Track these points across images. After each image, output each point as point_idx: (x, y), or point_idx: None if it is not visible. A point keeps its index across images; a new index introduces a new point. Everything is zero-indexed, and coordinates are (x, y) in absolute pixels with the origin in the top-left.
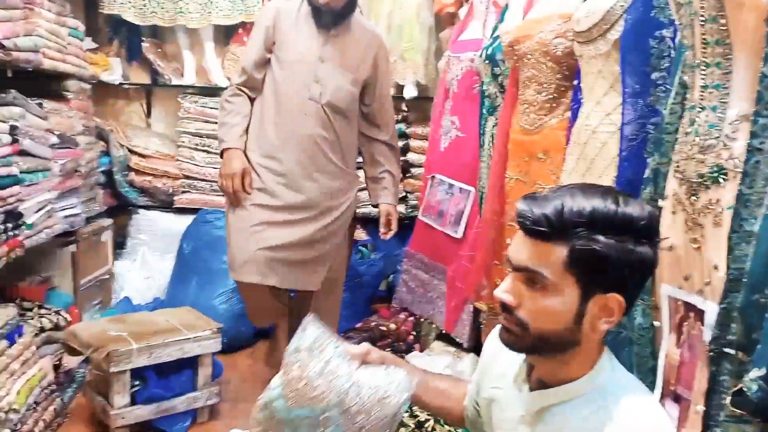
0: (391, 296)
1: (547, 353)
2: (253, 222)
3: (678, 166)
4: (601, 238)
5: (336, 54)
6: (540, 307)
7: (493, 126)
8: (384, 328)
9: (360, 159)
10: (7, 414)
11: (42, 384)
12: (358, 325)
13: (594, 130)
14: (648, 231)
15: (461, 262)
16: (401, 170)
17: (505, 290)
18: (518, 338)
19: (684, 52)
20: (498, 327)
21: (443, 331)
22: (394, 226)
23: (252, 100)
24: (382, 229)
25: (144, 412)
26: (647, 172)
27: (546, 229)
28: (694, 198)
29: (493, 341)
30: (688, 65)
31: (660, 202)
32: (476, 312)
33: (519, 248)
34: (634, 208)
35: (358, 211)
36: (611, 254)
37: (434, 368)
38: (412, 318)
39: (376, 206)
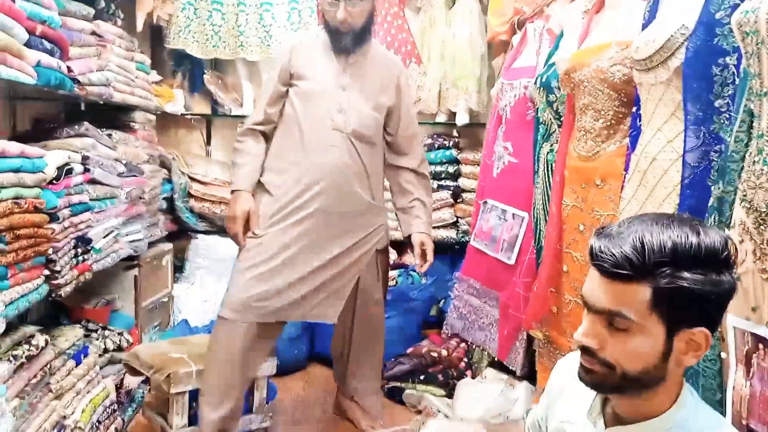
0: (442, 322)
1: (632, 391)
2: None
3: (745, 195)
4: (686, 274)
5: (357, 81)
6: (625, 349)
7: (548, 152)
8: (435, 355)
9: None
10: (73, 431)
11: (105, 403)
12: (409, 350)
13: (654, 158)
14: (728, 259)
15: (515, 289)
16: (453, 195)
17: (585, 334)
18: (603, 378)
19: (749, 80)
20: (566, 359)
21: (496, 359)
22: (430, 257)
23: (266, 137)
24: (417, 261)
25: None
26: (711, 200)
27: (628, 272)
28: (762, 228)
29: (560, 373)
30: (754, 93)
31: (726, 231)
32: (530, 339)
33: (597, 289)
34: (713, 237)
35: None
36: (698, 289)
37: (487, 396)
38: (463, 344)
39: (408, 238)
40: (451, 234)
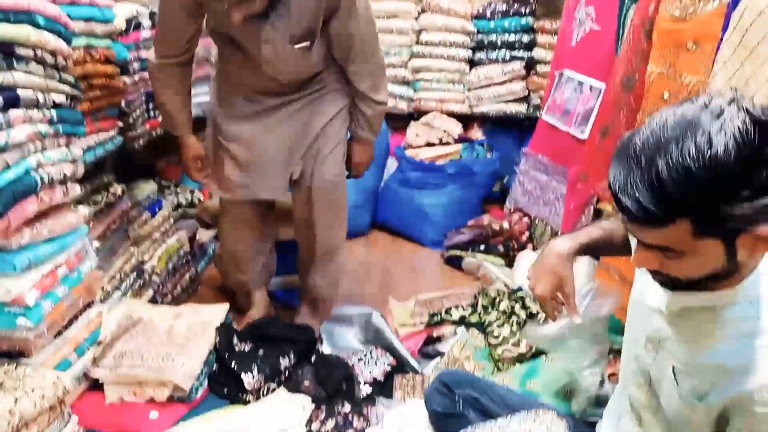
0: (505, 198)
1: (706, 287)
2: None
3: None
4: (719, 198)
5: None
6: (685, 267)
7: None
8: (497, 227)
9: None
10: (151, 276)
11: (179, 253)
12: (471, 222)
13: (761, 12)
14: (753, 152)
15: (585, 163)
16: (525, 67)
17: (639, 261)
18: (673, 283)
19: None
20: None
21: (559, 233)
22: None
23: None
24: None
25: (277, 283)
26: None
27: (655, 222)
28: None
29: None
30: None
31: None
32: (596, 214)
33: (636, 230)
34: (724, 139)
35: (475, 110)
36: (736, 203)
37: None
38: (526, 219)
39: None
40: (521, 108)
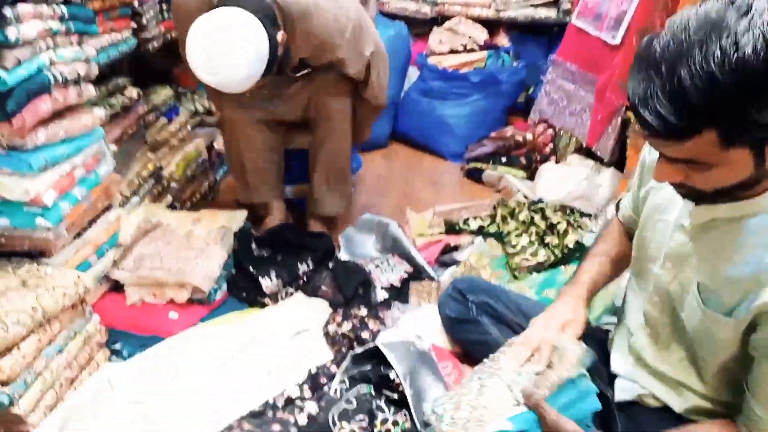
0: (530, 110)
1: (733, 197)
2: None
3: None
4: (747, 104)
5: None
6: (711, 178)
7: None
8: (520, 138)
9: None
10: (169, 183)
11: (197, 160)
12: (493, 134)
13: None
14: None
15: (615, 71)
16: None
17: (663, 175)
18: (697, 195)
19: None
20: None
21: (584, 145)
22: None
23: None
24: None
25: (286, 191)
26: None
27: (679, 135)
28: None
29: None
30: None
31: None
32: (623, 125)
33: (658, 145)
34: (757, 39)
35: (502, 14)
36: (765, 108)
37: (571, 179)
38: (551, 131)
39: None
40: (550, 13)
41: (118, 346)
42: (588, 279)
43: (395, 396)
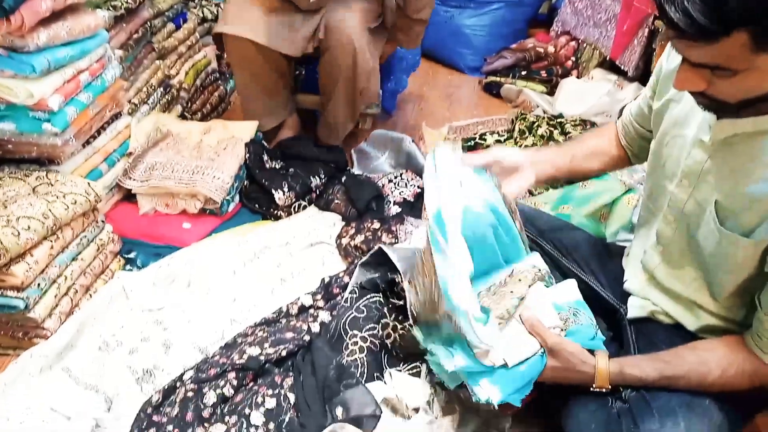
0: (552, 22)
1: (759, 110)
2: None
3: None
4: None
5: None
6: (737, 87)
7: None
8: (541, 50)
9: None
10: (179, 92)
11: (207, 70)
12: (514, 45)
13: None
14: None
15: None
16: None
17: (685, 82)
18: (718, 107)
19: None
20: None
21: (607, 58)
22: None
23: None
24: None
25: (306, 100)
26: None
27: (707, 37)
28: None
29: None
30: None
31: None
32: (650, 36)
33: (683, 47)
34: None
35: None
36: None
37: (592, 94)
38: (573, 43)
39: None
40: None
41: (132, 254)
42: (550, 152)
43: (401, 303)
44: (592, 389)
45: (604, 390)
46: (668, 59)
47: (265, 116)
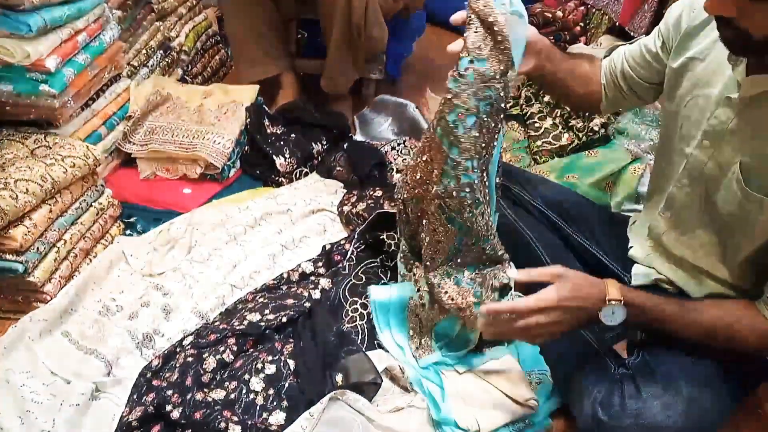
0: None
1: None
2: None
3: None
4: None
5: None
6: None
7: None
8: (549, 15)
9: None
10: (179, 54)
11: (208, 32)
12: None
13: None
14: None
15: None
16: None
17: (716, 5)
18: (741, 46)
19: None
20: None
21: (617, 24)
22: None
23: None
24: None
25: (308, 65)
26: None
27: None
28: None
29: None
30: None
31: None
32: (660, 1)
33: None
34: None
35: None
36: None
37: None
38: (582, 8)
39: None
40: None
41: (132, 219)
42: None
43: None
44: (602, 315)
45: (613, 309)
46: (691, 15)
47: (257, 65)
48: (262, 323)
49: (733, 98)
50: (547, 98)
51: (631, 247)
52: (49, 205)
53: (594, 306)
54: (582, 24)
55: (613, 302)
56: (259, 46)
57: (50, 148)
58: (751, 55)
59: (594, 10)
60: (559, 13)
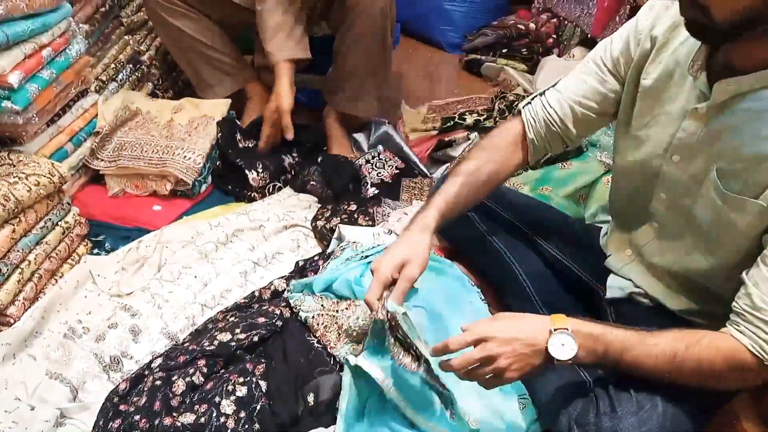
0: None
1: (745, 38)
2: None
3: None
4: None
5: None
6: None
7: None
8: (522, 27)
9: None
10: (149, 68)
11: None
12: (495, 22)
13: None
14: None
15: None
16: None
17: None
18: (702, 30)
19: None
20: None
21: (589, 36)
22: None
23: None
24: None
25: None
26: None
27: None
28: None
29: (651, 14)
30: None
31: None
32: (632, 12)
33: None
34: None
35: None
36: None
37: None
38: (555, 20)
39: None
40: None
41: (100, 238)
42: (441, 203)
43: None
44: (550, 347)
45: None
46: (640, 38)
47: (216, 86)
48: (233, 343)
49: (700, 108)
50: None
51: (609, 255)
52: (13, 225)
53: (537, 338)
54: (555, 36)
55: (559, 330)
56: (213, 70)
57: (14, 165)
58: (709, 40)
59: (566, 22)
60: (532, 26)
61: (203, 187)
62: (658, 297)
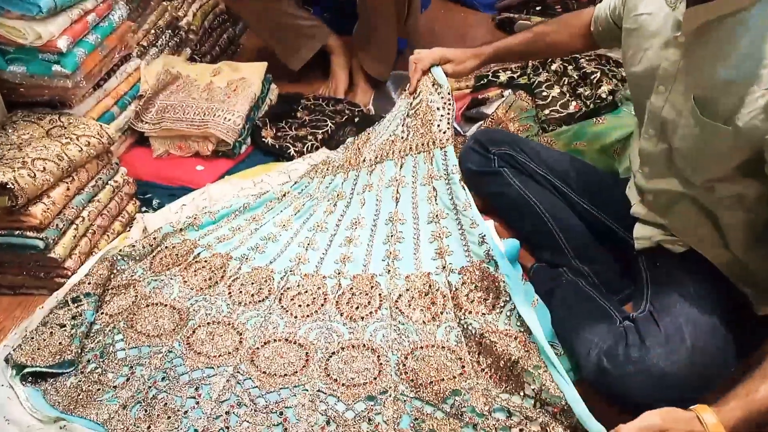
0: None
1: None
2: None
3: None
4: None
5: None
6: None
7: None
8: None
9: None
10: (188, 34)
11: (215, 11)
12: None
13: None
14: None
15: None
16: None
17: None
18: None
19: None
20: None
21: None
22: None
23: None
24: None
25: None
26: None
27: None
28: None
29: None
30: None
31: None
32: None
33: None
34: None
35: None
36: None
37: None
38: None
39: None
40: None
41: (147, 196)
42: (501, 45)
43: None
44: None
45: None
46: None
47: (301, 49)
48: None
49: (678, 36)
50: (554, 67)
51: (633, 204)
52: (66, 183)
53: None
54: None
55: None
56: (295, 35)
57: (65, 128)
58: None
59: None
60: None
61: (243, 148)
62: (679, 236)
